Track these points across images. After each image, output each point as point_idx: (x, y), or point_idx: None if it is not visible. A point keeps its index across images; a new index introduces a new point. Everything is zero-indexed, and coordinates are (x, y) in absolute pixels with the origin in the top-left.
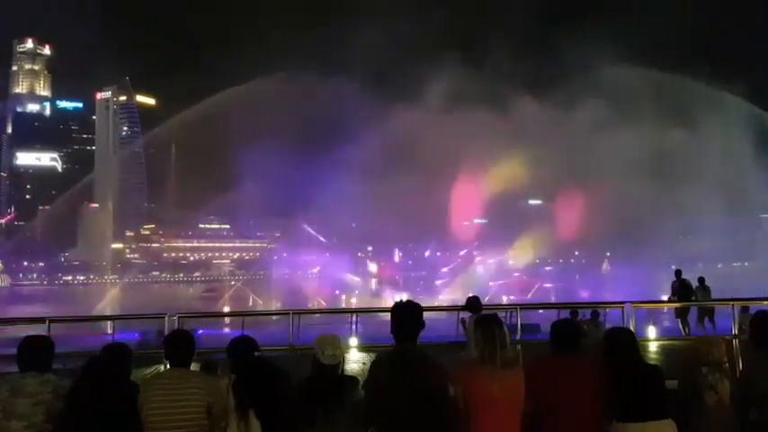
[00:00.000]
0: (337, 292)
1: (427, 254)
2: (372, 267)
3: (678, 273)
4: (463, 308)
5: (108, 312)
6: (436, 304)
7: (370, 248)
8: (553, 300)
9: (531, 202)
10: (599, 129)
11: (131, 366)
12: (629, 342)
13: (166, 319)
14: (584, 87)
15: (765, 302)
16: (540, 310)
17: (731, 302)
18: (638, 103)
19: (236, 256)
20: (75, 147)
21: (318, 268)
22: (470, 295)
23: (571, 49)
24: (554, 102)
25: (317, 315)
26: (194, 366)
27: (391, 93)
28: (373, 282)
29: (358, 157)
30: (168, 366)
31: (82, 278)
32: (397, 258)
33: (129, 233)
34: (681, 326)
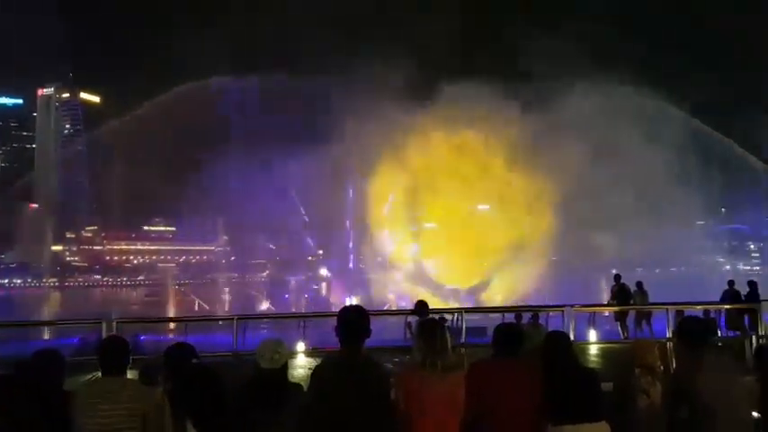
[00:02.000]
0: (287, 296)
1: (379, 259)
2: (323, 271)
3: (617, 277)
4: (410, 312)
5: (46, 317)
6: (386, 308)
7: (320, 252)
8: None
9: (480, 207)
10: (538, 133)
11: (64, 374)
12: (565, 345)
13: (104, 324)
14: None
15: (698, 307)
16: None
17: (666, 306)
18: (570, 111)
19: (182, 260)
20: (15, 145)
21: (267, 272)
22: (419, 299)
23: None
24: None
25: (266, 320)
26: (132, 374)
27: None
28: (324, 286)
29: (307, 165)
30: (102, 374)
31: (19, 281)
32: (351, 263)
33: (69, 235)
34: (620, 329)
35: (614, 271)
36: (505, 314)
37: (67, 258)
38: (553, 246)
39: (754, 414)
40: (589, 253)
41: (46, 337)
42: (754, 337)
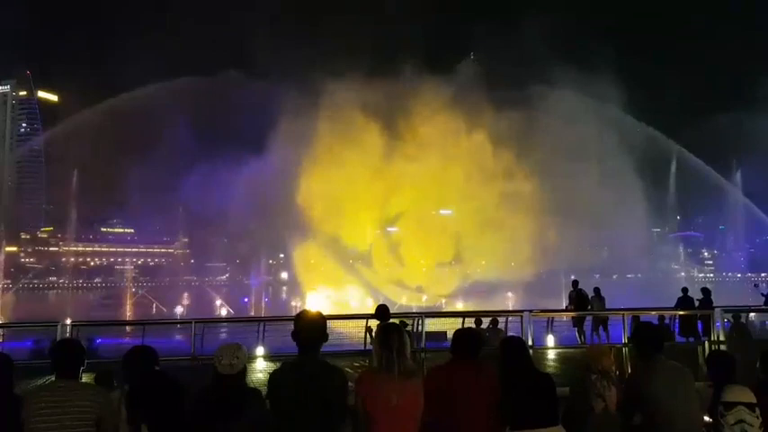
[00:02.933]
0: (246, 299)
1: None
2: (284, 275)
3: (575, 283)
4: (371, 316)
5: None
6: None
7: (282, 255)
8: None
9: (443, 212)
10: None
11: (11, 377)
12: (520, 350)
13: (59, 327)
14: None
15: (653, 312)
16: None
17: (623, 312)
18: (524, 117)
19: (140, 262)
20: None
21: (227, 275)
22: (380, 303)
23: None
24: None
25: (225, 324)
26: (88, 377)
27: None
28: (284, 290)
29: (271, 168)
30: (55, 378)
31: None
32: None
33: (24, 236)
34: (577, 334)
35: (573, 277)
36: (465, 319)
37: (22, 260)
38: (512, 251)
39: (706, 418)
40: (547, 258)
41: None
42: (706, 343)
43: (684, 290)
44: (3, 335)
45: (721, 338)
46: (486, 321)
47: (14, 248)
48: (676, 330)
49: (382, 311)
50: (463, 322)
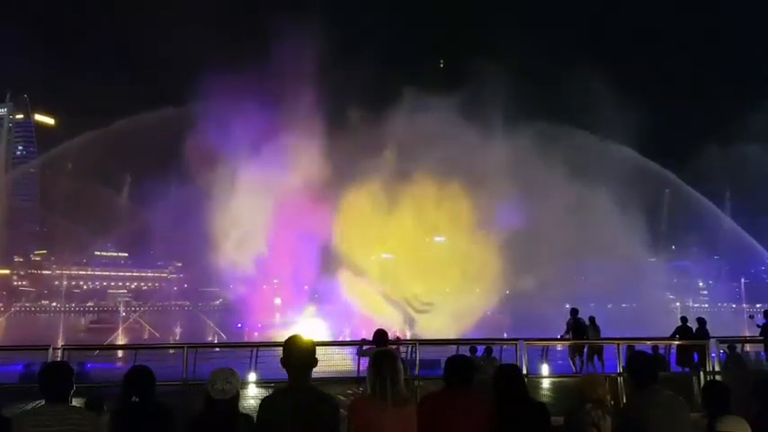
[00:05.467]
0: (239, 325)
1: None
2: (278, 300)
3: (574, 311)
4: (363, 342)
5: None
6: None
7: (276, 281)
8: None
9: (437, 239)
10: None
11: None
12: (516, 378)
13: (50, 351)
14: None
15: (648, 342)
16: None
17: (617, 341)
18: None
19: (133, 286)
20: None
21: (221, 300)
22: (378, 328)
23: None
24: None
25: (218, 349)
26: (78, 402)
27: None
28: (278, 316)
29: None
30: (45, 401)
31: None
32: (304, 292)
33: (17, 258)
34: (572, 363)
35: (568, 305)
36: (460, 346)
37: (15, 283)
38: (506, 280)
39: None
40: (541, 288)
41: None
42: (702, 374)
43: (683, 319)
44: None
45: (717, 369)
46: (479, 349)
47: (7, 271)
48: (672, 360)
49: (380, 336)
50: (457, 350)
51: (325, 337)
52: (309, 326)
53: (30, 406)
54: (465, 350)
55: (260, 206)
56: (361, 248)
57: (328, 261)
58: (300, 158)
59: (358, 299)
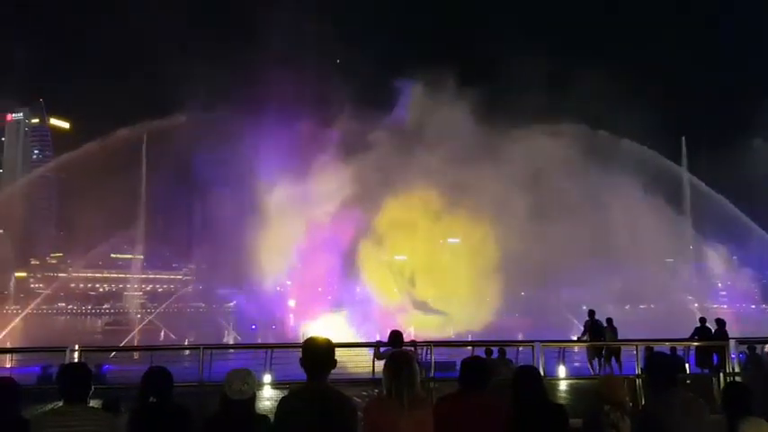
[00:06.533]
0: (254, 327)
1: (358, 290)
2: (291, 302)
3: (591, 313)
4: (377, 344)
5: (7, 344)
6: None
7: (289, 283)
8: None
9: (450, 240)
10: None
11: (19, 402)
12: (536, 380)
13: (67, 353)
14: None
15: (666, 343)
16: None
17: (635, 343)
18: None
19: (148, 288)
20: None
21: (234, 302)
22: (393, 329)
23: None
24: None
25: (232, 351)
26: (95, 403)
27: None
28: (292, 317)
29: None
30: (62, 402)
31: None
32: (319, 294)
33: (34, 261)
34: (591, 365)
35: (585, 307)
36: (475, 348)
37: (32, 285)
38: (521, 281)
39: None
40: (557, 289)
41: (8, 365)
42: (721, 375)
43: (702, 320)
44: (12, 360)
45: (736, 370)
46: (494, 351)
47: (24, 274)
48: (691, 361)
49: (395, 337)
50: (473, 351)
51: (348, 338)
52: (332, 325)
53: (48, 407)
54: (480, 351)
55: (292, 222)
56: (376, 253)
57: (351, 268)
58: (330, 175)
59: (377, 299)
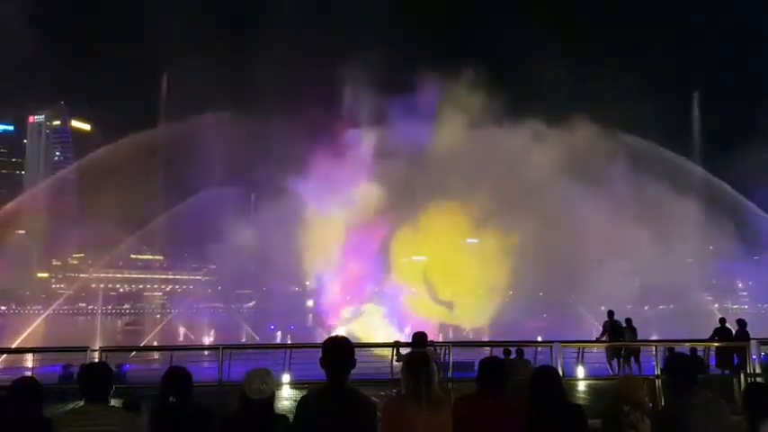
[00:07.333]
0: (272, 327)
1: (376, 290)
2: (310, 303)
3: (611, 314)
4: (397, 344)
5: (30, 344)
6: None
7: (308, 283)
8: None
9: (469, 241)
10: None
11: (41, 402)
12: (554, 380)
13: (88, 353)
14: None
15: (686, 344)
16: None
17: (655, 343)
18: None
19: (168, 289)
20: (4, 171)
21: (254, 302)
22: (417, 331)
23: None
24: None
25: (251, 351)
26: (116, 402)
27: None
28: (310, 317)
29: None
30: (84, 402)
31: (3, 308)
32: (337, 294)
33: (55, 262)
34: (611, 365)
35: (603, 308)
36: (493, 348)
37: (53, 286)
38: (539, 282)
39: None
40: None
41: (30, 365)
42: (742, 376)
43: (722, 320)
44: (34, 359)
45: (757, 371)
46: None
47: (46, 275)
48: (711, 362)
49: (418, 338)
50: (491, 352)
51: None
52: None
53: (70, 406)
54: (498, 352)
55: (329, 230)
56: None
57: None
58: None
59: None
